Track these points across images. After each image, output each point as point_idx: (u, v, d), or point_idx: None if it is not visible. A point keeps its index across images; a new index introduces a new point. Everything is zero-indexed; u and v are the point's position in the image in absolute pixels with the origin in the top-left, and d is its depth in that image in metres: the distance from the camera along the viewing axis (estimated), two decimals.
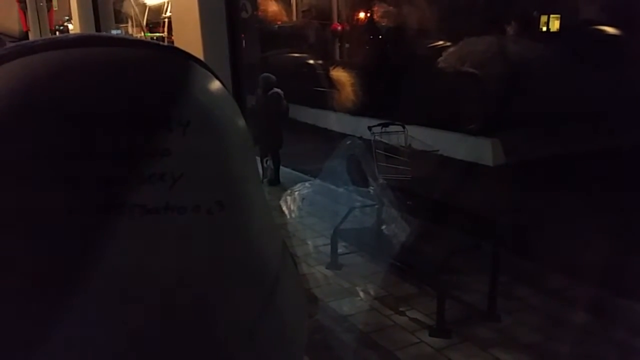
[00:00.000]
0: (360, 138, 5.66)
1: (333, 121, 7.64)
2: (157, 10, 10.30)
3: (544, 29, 8.91)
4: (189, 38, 1.03)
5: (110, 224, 0.27)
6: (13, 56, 0.29)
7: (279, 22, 11.18)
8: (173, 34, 1.17)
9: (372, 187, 5.13)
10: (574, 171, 5.08)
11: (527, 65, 6.89)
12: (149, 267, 0.28)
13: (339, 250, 4.60)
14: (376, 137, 5.44)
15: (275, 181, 6.55)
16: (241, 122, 0.35)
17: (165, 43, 0.36)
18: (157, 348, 0.28)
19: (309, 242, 4.87)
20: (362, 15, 10.96)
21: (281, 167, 6.71)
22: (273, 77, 6.73)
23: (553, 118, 5.95)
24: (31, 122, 0.27)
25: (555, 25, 8.93)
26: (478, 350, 3.36)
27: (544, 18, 8.95)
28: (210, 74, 0.34)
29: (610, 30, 7.15)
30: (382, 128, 5.51)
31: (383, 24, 9.40)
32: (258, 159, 5.01)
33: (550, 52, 7.06)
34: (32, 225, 0.26)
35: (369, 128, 5.50)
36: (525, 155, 5.77)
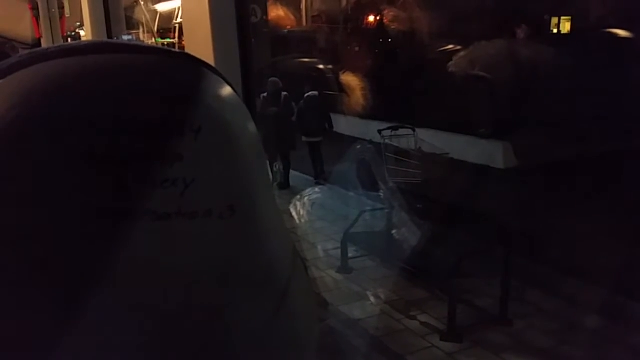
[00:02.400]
0: (370, 142, 5.65)
1: (343, 125, 7.63)
2: (168, 16, 10.36)
3: (555, 31, 8.86)
4: (200, 44, 1.04)
5: (122, 229, 0.27)
6: (27, 63, 0.29)
7: (288, 27, 11.18)
8: (184, 39, 1.18)
9: (382, 191, 5.12)
10: (586, 174, 5.04)
11: (538, 68, 6.84)
12: (160, 272, 0.28)
13: (349, 254, 4.59)
14: (386, 140, 5.43)
15: (285, 185, 6.55)
16: (252, 127, 0.35)
17: (176, 49, 0.36)
18: (167, 351, 0.28)
19: (319, 246, 4.87)
20: (371, 19, 10.94)
21: (291, 170, 6.72)
22: (280, 81, 6.76)
23: (564, 121, 5.90)
24: (46, 128, 0.27)
25: (566, 27, 8.87)
26: (490, 354, 3.34)
27: (554, 20, 8.89)
28: (221, 79, 0.34)
29: (622, 32, 7.09)
30: (392, 131, 5.49)
31: (393, 27, 9.38)
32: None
33: (561, 54, 7.01)
34: (42, 227, 0.27)
35: (379, 131, 5.49)
36: (537, 158, 5.73)
